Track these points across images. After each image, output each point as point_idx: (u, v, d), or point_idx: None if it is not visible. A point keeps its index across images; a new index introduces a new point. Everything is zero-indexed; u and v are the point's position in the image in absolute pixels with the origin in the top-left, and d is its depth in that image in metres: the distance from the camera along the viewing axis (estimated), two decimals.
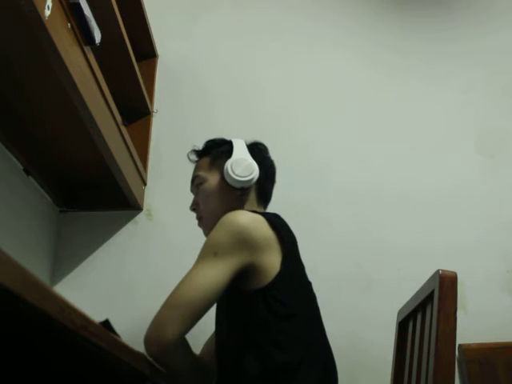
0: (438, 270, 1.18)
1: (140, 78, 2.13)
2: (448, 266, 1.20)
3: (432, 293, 1.20)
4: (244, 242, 1.19)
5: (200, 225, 1.47)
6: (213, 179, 1.43)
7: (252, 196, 1.42)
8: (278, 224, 1.28)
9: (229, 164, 1.40)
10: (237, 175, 1.38)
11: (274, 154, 2.33)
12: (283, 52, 2.48)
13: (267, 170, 1.49)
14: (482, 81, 2.42)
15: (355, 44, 2.50)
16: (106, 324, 0.84)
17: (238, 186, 1.39)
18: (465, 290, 2.01)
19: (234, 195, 1.39)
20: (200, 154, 1.50)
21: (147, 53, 2.39)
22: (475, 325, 1.99)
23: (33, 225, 1.98)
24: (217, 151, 1.47)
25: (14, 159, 1.79)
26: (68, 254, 2.14)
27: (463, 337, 1.72)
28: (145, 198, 2.20)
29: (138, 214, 2.21)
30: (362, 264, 2.15)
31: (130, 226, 2.20)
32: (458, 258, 2.08)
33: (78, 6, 1.34)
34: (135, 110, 2.23)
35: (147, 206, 2.20)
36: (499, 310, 2.07)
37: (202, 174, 1.45)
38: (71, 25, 1.35)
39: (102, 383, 1.02)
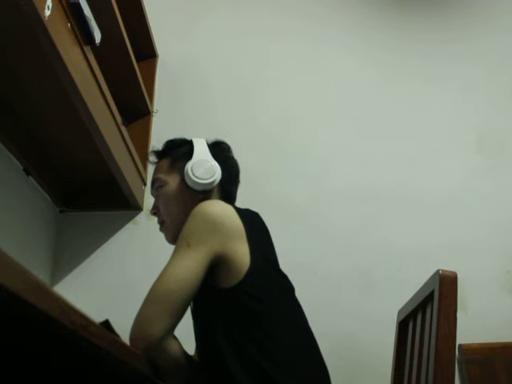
0: (438, 270, 1.18)
1: (140, 78, 2.13)
2: (448, 266, 1.20)
3: (432, 293, 1.20)
4: (216, 229, 1.18)
5: (162, 230, 1.42)
6: (173, 182, 1.37)
7: (215, 198, 1.36)
8: (246, 216, 1.26)
9: (189, 166, 1.34)
10: (197, 177, 1.33)
11: (274, 154, 2.36)
12: (283, 52, 2.48)
13: (230, 170, 1.42)
14: (482, 81, 2.42)
15: (355, 44, 2.50)
16: (106, 324, 0.84)
17: (199, 188, 1.34)
18: (465, 290, 2.01)
19: (196, 198, 1.33)
20: (159, 155, 1.44)
21: (147, 53, 2.39)
22: (475, 325, 2.00)
23: (33, 225, 1.98)
24: (177, 152, 1.41)
25: (14, 159, 1.79)
26: (68, 254, 2.14)
27: (463, 337, 1.72)
28: (145, 198, 2.20)
29: (138, 214, 2.21)
30: (362, 264, 2.15)
31: (129, 226, 2.20)
32: (458, 258, 2.08)
33: (78, 5, 1.34)
34: (135, 110, 2.24)
35: (147, 206, 2.20)
36: (499, 310, 2.07)
37: (161, 176, 1.39)
38: (71, 25, 1.35)
39: (101, 383, 1.02)
